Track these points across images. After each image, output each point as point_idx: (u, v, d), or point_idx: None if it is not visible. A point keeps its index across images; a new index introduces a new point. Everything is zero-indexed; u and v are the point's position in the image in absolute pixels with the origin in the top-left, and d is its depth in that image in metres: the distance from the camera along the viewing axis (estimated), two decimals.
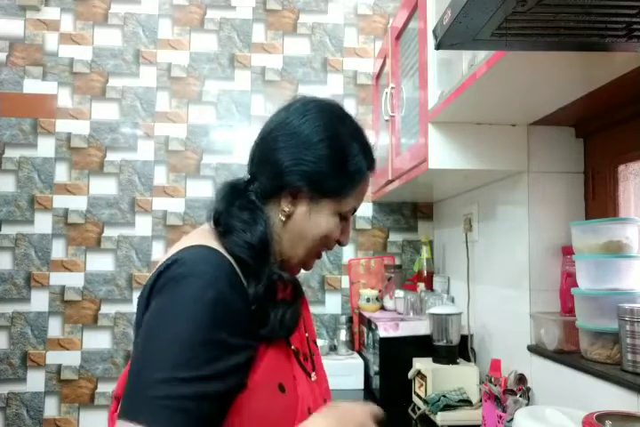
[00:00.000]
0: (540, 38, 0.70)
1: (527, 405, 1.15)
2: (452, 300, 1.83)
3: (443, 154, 1.32)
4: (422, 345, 1.56)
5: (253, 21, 2.26)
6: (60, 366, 2.05)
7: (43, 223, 2.10)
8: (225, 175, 2.18)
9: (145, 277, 2.11)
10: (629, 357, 0.94)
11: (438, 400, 1.35)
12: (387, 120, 1.80)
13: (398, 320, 1.65)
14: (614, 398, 0.96)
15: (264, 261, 0.70)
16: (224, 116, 2.21)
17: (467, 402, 1.37)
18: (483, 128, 1.33)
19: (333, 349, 2.01)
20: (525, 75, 0.98)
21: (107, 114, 2.17)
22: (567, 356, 1.15)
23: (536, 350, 1.27)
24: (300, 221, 0.76)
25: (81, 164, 2.14)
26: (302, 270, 0.83)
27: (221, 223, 0.73)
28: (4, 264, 2.08)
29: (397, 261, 2.18)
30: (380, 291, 2.01)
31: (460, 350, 1.54)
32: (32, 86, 2.15)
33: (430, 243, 2.12)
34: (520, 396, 1.16)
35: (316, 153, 0.75)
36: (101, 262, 2.11)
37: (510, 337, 1.42)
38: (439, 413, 1.34)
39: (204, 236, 0.72)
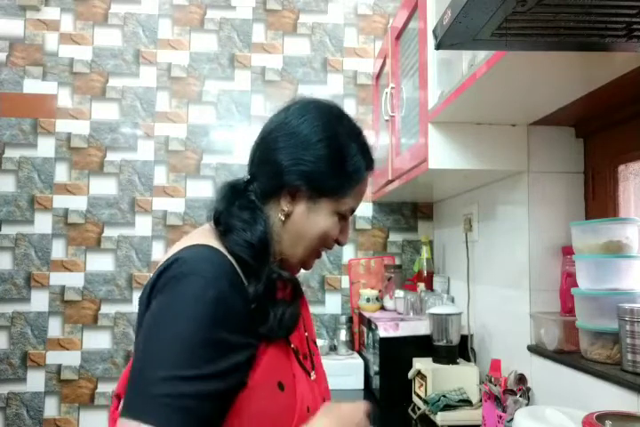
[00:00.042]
0: (539, 38, 0.70)
1: (527, 405, 1.15)
2: (452, 300, 1.83)
3: (443, 154, 1.32)
4: (422, 345, 1.56)
5: (253, 21, 2.26)
6: (60, 366, 2.06)
7: (43, 223, 2.10)
8: (225, 175, 2.18)
9: (145, 277, 2.12)
10: (629, 357, 0.94)
11: (438, 400, 1.35)
12: (387, 120, 1.80)
13: (398, 320, 1.65)
14: (614, 398, 0.96)
15: (264, 260, 0.71)
16: (224, 116, 2.21)
17: (467, 402, 1.37)
18: (483, 128, 1.33)
19: (333, 349, 2.01)
20: (525, 75, 0.98)
21: (107, 114, 2.17)
22: (567, 356, 1.15)
23: (536, 350, 1.27)
24: (299, 220, 0.77)
25: (81, 164, 2.14)
26: (302, 270, 0.84)
27: (222, 223, 0.74)
28: (3, 264, 2.08)
29: (397, 261, 2.18)
30: (380, 291, 2.01)
31: (460, 350, 1.54)
32: (32, 86, 2.15)
33: (430, 243, 2.12)
34: (520, 396, 1.16)
35: (314, 153, 0.75)
36: (101, 262, 2.11)
37: (510, 337, 1.42)
38: (439, 413, 1.34)
39: (204, 235, 0.73)
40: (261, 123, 0.83)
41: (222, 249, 0.69)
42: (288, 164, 0.75)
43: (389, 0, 2.28)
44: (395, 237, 2.22)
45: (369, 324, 1.76)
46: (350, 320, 2.05)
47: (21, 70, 2.15)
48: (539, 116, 1.27)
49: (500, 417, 1.14)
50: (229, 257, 0.68)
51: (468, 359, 1.57)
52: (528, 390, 1.21)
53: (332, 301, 2.18)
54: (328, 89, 2.24)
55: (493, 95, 1.11)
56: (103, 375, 2.07)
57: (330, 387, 0.87)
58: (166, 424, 0.56)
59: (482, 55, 0.97)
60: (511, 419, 1.06)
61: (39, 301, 2.07)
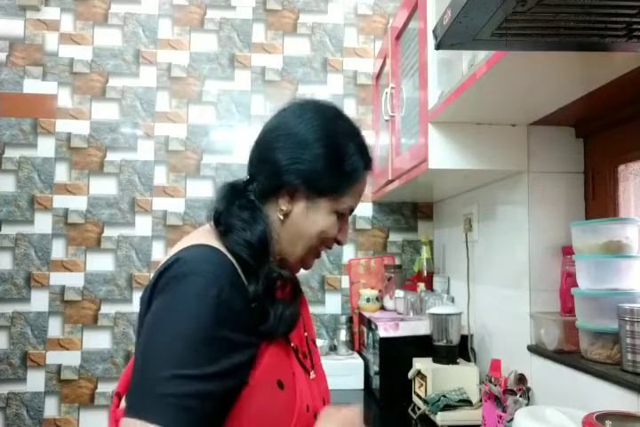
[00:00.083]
0: (540, 38, 0.70)
1: (527, 405, 1.15)
2: (452, 300, 1.83)
3: (443, 154, 1.32)
4: (422, 345, 1.56)
5: (253, 21, 2.26)
6: (59, 366, 2.05)
7: (43, 223, 2.10)
8: (225, 175, 2.18)
9: (145, 277, 2.12)
10: (629, 357, 0.94)
11: (438, 400, 1.35)
12: (387, 120, 1.80)
13: (398, 320, 1.65)
14: (614, 398, 0.96)
15: (263, 259, 0.71)
16: (224, 116, 2.21)
17: (467, 402, 1.37)
18: (483, 128, 1.33)
19: (333, 349, 2.02)
20: (525, 75, 0.98)
21: (107, 114, 2.17)
22: (567, 356, 1.15)
23: (536, 350, 1.27)
24: (298, 219, 0.77)
25: (81, 164, 2.14)
26: (302, 270, 0.84)
27: (222, 222, 0.75)
28: (4, 264, 2.08)
29: (397, 261, 2.18)
30: (380, 291, 2.01)
31: (460, 350, 1.54)
32: (32, 86, 2.15)
33: (430, 243, 2.12)
34: (520, 396, 1.16)
35: (312, 152, 0.76)
36: (101, 262, 2.11)
37: (510, 337, 1.42)
38: (439, 413, 1.34)
39: (204, 235, 0.73)
40: (261, 123, 0.84)
41: (223, 249, 0.69)
42: (286, 163, 0.75)
43: (389, 0, 2.28)
44: (395, 237, 2.22)
45: (369, 324, 1.76)
46: (350, 320, 2.05)
47: (21, 70, 2.15)
48: (539, 116, 1.27)
49: (500, 417, 1.14)
50: (230, 257, 0.68)
51: (467, 359, 1.57)
52: (528, 390, 1.21)
53: (332, 301, 2.18)
54: (328, 89, 2.24)
55: (493, 95, 1.11)
56: (103, 375, 2.07)
57: (330, 387, 0.87)
58: (170, 423, 0.56)
59: (482, 55, 0.97)
60: (511, 419, 1.06)
61: (39, 301, 2.07)
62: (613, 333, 1.00)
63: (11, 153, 2.12)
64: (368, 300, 1.96)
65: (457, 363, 1.50)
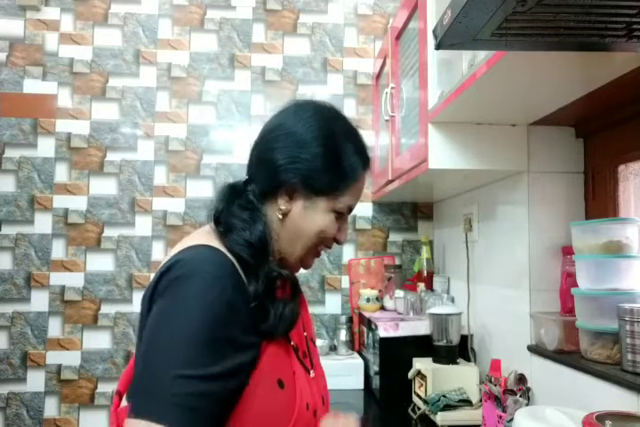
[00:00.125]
0: (540, 38, 0.70)
1: (527, 405, 1.15)
2: (452, 300, 1.83)
3: (443, 154, 1.32)
4: (422, 345, 1.56)
5: (253, 21, 2.26)
6: (59, 366, 2.05)
7: (43, 223, 2.10)
8: (225, 175, 2.18)
9: (145, 277, 2.12)
10: (629, 357, 0.94)
11: (438, 400, 1.35)
12: (387, 120, 1.80)
13: (398, 320, 1.65)
14: (614, 398, 0.96)
15: (263, 259, 0.72)
16: (224, 116, 2.21)
17: (467, 402, 1.37)
18: (483, 128, 1.33)
19: (333, 349, 2.01)
20: (525, 75, 0.98)
21: (107, 114, 2.17)
22: (567, 356, 1.15)
23: (536, 350, 1.27)
24: (297, 218, 0.78)
25: (81, 164, 2.14)
26: (302, 269, 0.85)
27: (222, 222, 0.75)
28: (3, 264, 2.08)
29: (397, 261, 2.18)
30: (380, 291, 2.01)
31: (460, 350, 1.54)
32: (32, 86, 2.15)
33: (430, 243, 2.12)
34: (520, 396, 1.16)
35: (310, 151, 0.76)
36: (101, 262, 2.11)
37: (510, 337, 1.42)
38: (439, 413, 1.34)
39: (205, 236, 0.74)
40: (261, 123, 0.85)
41: (223, 249, 0.69)
42: (284, 162, 0.76)
43: (389, 0, 2.28)
44: (395, 237, 2.22)
45: (369, 324, 1.76)
46: (350, 320, 2.05)
47: (21, 70, 2.15)
48: (539, 116, 1.27)
49: (500, 417, 1.14)
50: (230, 257, 0.68)
51: (468, 359, 1.57)
52: (528, 390, 1.21)
53: (332, 301, 2.18)
54: (328, 89, 2.24)
55: (493, 95, 1.11)
56: (103, 375, 2.06)
57: (330, 387, 0.87)
58: (175, 423, 0.56)
59: (482, 55, 0.97)
60: (511, 419, 1.05)
61: (39, 301, 2.07)
62: (613, 333, 1.00)
63: (11, 153, 2.12)
64: (368, 300, 1.96)
65: (457, 363, 1.50)
